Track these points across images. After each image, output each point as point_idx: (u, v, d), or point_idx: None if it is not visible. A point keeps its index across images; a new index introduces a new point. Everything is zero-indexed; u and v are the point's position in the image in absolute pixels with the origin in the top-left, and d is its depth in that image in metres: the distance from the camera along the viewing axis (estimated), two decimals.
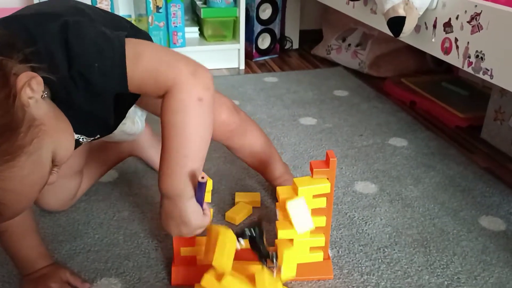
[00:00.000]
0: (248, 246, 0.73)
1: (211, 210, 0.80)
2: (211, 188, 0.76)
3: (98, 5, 1.67)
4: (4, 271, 0.84)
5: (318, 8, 2.12)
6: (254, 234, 0.72)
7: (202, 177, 0.68)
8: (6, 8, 1.64)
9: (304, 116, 1.47)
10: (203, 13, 1.82)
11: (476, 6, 1.00)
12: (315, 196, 0.78)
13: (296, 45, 2.17)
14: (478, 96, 1.55)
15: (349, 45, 1.91)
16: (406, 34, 1.15)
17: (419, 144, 1.32)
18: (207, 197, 0.76)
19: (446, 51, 1.11)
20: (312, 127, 1.40)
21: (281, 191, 0.79)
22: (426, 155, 1.26)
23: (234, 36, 1.89)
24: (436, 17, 1.13)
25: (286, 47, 2.13)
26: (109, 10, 1.71)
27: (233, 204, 1.03)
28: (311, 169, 0.78)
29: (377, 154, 1.26)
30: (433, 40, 1.15)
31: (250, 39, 1.95)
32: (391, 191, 1.10)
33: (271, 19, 1.97)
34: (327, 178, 0.78)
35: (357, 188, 1.11)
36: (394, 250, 0.91)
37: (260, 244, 0.73)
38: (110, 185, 1.08)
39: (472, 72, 1.04)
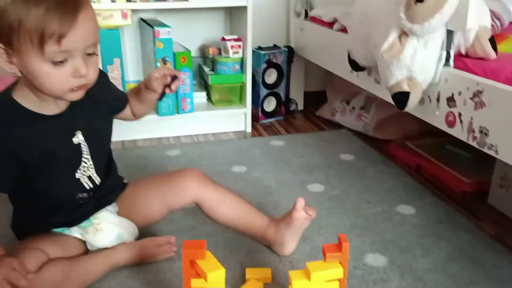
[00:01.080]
0: None
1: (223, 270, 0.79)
2: (223, 277, 0.76)
3: (109, 74, 1.73)
4: None
5: (322, 70, 2.18)
6: None
7: None
8: None
9: (312, 182, 1.48)
10: (211, 79, 1.87)
11: (478, 84, 1.04)
12: (327, 281, 0.78)
13: (301, 107, 2.22)
14: (483, 158, 1.57)
15: (353, 108, 1.95)
16: (411, 108, 1.18)
17: (427, 212, 1.32)
18: (221, 282, 0.77)
19: (450, 124, 1.14)
20: (320, 194, 1.41)
21: (293, 275, 0.79)
22: (435, 224, 1.27)
23: (241, 100, 1.95)
24: (439, 91, 1.17)
25: (291, 108, 2.18)
26: (120, 78, 1.77)
27: (244, 280, 1.03)
28: (324, 253, 0.79)
29: (386, 223, 1.27)
30: (437, 113, 1.18)
31: (256, 102, 2.00)
32: (401, 264, 1.10)
33: (276, 83, 2.02)
34: (340, 263, 0.78)
35: (368, 260, 1.11)
36: None
37: None
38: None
39: (477, 146, 1.06)
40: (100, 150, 1.00)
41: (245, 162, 1.63)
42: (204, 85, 2.01)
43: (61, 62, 0.83)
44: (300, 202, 1.06)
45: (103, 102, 1.01)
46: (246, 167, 1.59)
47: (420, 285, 1.03)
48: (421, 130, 1.86)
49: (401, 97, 1.17)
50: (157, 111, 1.79)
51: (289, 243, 1.11)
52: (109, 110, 1.05)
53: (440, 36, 1.12)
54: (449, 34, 1.13)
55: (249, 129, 1.94)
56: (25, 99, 0.90)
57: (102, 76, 0.99)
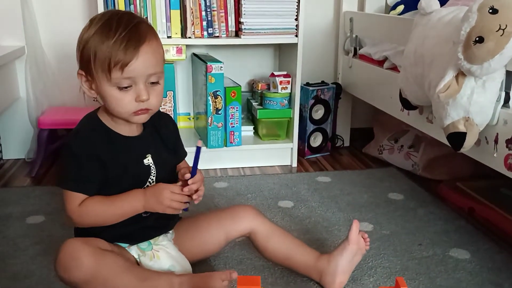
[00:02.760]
0: None
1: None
2: None
3: (163, 107, 1.79)
4: None
5: (369, 107, 2.17)
6: None
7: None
8: None
9: (360, 221, 1.45)
10: (259, 114, 1.90)
11: None
12: None
13: (347, 143, 2.21)
14: None
15: (402, 146, 1.92)
16: (467, 149, 1.16)
17: (483, 257, 1.27)
18: None
19: (510, 167, 1.10)
20: (369, 234, 1.36)
21: None
22: (492, 271, 1.21)
23: (288, 135, 1.96)
24: (498, 133, 1.14)
25: (337, 145, 2.17)
26: (172, 110, 1.82)
27: None
28: None
29: (439, 267, 1.22)
30: (495, 155, 1.15)
31: (303, 137, 2.00)
32: None
33: (323, 119, 2.03)
34: None
35: None
36: None
37: None
38: None
39: None
40: (164, 176, 1.06)
41: (292, 197, 1.62)
42: (251, 119, 2.04)
43: (126, 88, 0.94)
44: (356, 224, 1.10)
45: (171, 141, 1.11)
46: (293, 203, 1.58)
47: None
48: (472, 171, 1.81)
49: (457, 138, 1.15)
50: (206, 143, 1.82)
51: (342, 274, 1.09)
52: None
53: (499, 77, 1.10)
54: (509, 75, 1.11)
55: (295, 164, 1.94)
56: (107, 120, 1.01)
57: (174, 124, 1.14)
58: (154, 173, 1.04)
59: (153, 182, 1.04)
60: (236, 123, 1.83)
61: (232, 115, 1.81)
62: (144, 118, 0.99)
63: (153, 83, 0.97)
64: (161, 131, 1.08)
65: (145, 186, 1.03)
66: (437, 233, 1.40)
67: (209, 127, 1.80)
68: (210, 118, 1.79)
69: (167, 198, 0.98)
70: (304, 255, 1.13)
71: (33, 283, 1.12)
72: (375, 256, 1.26)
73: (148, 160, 1.04)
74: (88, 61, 0.94)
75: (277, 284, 1.14)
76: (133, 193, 0.99)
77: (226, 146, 1.85)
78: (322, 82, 2.05)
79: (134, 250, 1.06)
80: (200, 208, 1.49)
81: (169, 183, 1.07)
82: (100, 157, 0.97)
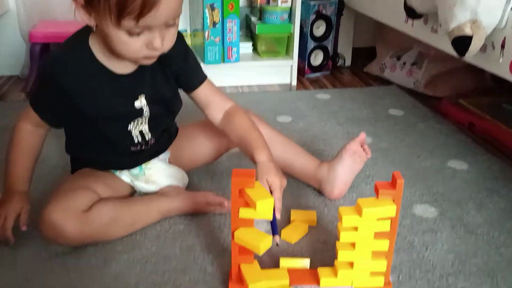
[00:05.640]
0: None
1: (272, 199, 0.77)
2: (272, 206, 0.75)
3: None
4: None
5: (372, 25, 2.10)
6: None
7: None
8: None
9: (358, 135, 1.43)
10: (258, 29, 1.83)
11: None
12: (379, 219, 0.76)
13: (348, 62, 2.15)
14: None
15: (404, 63, 1.87)
16: (472, 54, 1.11)
17: (481, 168, 1.26)
18: (269, 212, 0.75)
19: None
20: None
21: (343, 211, 0.77)
22: (489, 179, 1.21)
23: (287, 52, 1.90)
24: (505, 37, 1.09)
25: (339, 64, 2.12)
26: None
27: (288, 222, 1.02)
28: (376, 190, 0.76)
29: (436, 177, 1.22)
30: (500, 60, 1.11)
31: (303, 55, 1.95)
32: (452, 216, 1.06)
33: (324, 36, 1.96)
34: (393, 200, 0.75)
35: (416, 211, 1.07)
36: (458, 279, 0.87)
37: None
38: None
39: None
40: (160, 113, 0.98)
41: (290, 112, 1.60)
42: (250, 36, 1.97)
43: (138, 34, 0.78)
44: (362, 135, 1.08)
45: (173, 67, 0.95)
46: (291, 118, 1.56)
47: (472, 238, 0.99)
48: (475, 88, 1.77)
49: (462, 42, 1.10)
50: (203, 59, 1.77)
51: (342, 184, 1.08)
52: (175, 79, 0.97)
53: None
54: None
55: (294, 82, 1.90)
56: (99, 51, 0.86)
57: (181, 47, 0.94)
58: (147, 114, 0.95)
59: (143, 122, 0.95)
60: (234, 38, 1.77)
61: (229, 29, 1.75)
62: (154, 60, 0.86)
63: (169, 25, 0.80)
64: (164, 60, 0.91)
65: (131, 126, 0.94)
66: (436, 146, 1.38)
67: (206, 41, 1.74)
68: (207, 32, 1.72)
69: (4, 210, 0.89)
70: (304, 163, 1.11)
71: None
72: (372, 166, 1.26)
73: (141, 102, 0.92)
74: None
75: None
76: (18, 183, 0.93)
77: (223, 62, 1.79)
78: None
79: (125, 175, 1.03)
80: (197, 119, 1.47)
81: (164, 120, 1.01)
82: (71, 95, 0.86)
